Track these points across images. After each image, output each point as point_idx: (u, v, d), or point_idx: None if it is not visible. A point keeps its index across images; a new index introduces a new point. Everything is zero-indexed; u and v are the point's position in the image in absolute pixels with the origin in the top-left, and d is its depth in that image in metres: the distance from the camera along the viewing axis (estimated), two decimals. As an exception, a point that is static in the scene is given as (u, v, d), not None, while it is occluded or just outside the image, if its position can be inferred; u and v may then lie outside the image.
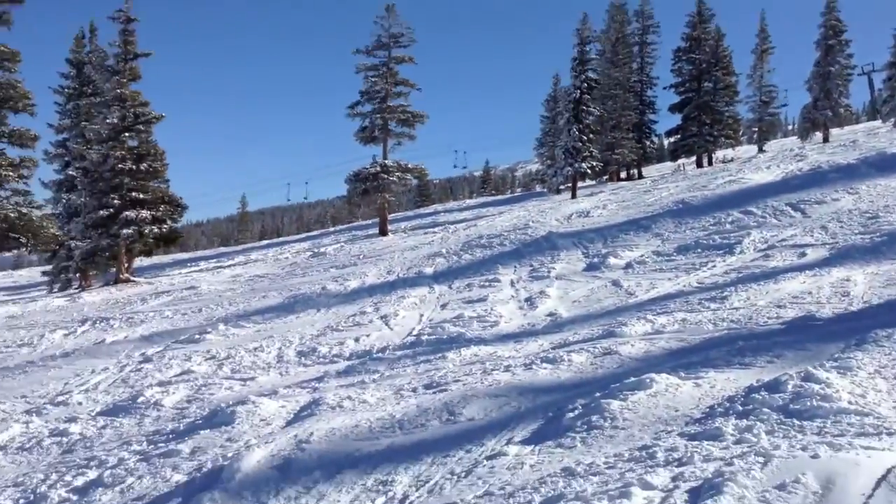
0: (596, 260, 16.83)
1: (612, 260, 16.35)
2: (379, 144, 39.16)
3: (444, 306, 14.77)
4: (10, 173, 29.01)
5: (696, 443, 4.89)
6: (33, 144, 30.40)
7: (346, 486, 5.53)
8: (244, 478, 5.91)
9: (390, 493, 5.27)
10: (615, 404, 5.97)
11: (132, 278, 33.41)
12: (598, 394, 6.41)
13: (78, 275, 37.45)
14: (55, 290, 38.11)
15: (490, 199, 65.02)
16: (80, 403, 10.73)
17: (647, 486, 4.23)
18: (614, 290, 13.73)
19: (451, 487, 5.11)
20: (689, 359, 7.54)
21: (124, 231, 32.34)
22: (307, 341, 13.06)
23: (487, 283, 16.47)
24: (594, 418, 5.82)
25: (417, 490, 5.21)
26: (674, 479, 4.31)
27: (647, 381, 6.36)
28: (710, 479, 4.12)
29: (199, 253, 63.30)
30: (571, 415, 6.07)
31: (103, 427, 9.24)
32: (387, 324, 13.72)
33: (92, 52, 38.85)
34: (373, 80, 38.54)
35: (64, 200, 38.40)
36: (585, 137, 43.25)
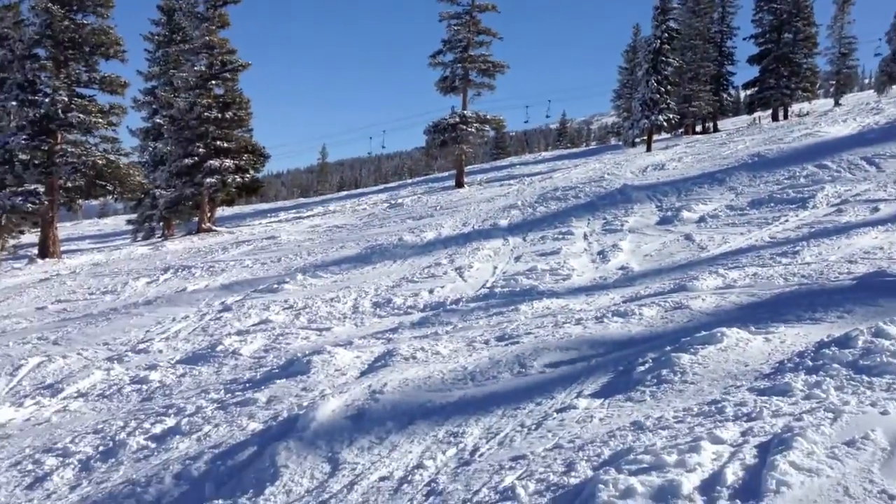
0: (669, 213, 16.59)
1: (685, 213, 16.14)
2: (459, 94, 38.89)
3: (517, 259, 14.70)
4: (100, 120, 29.85)
5: (766, 398, 4.83)
6: (123, 91, 31.18)
7: (418, 437, 5.53)
8: (319, 427, 5.95)
9: (461, 445, 5.24)
10: (685, 358, 5.90)
11: (214, 227, 34.12)
12: (668, 347, 6.32)
13: (161, 223, 38.57)
14: (139, 238, 39.40)
15: (565, 151, 64.26)
16: (160, 351, 11.01)
17: (716, 440, 4.18)
18: (686, 243, 13.57)
19: (521, 440, 5.07)
20: (759, 313, 7.39)
21: (208, 180, 32.94)
22: (383, 292, 13.12)
23: (561, 236, 16.36)
24: (664, 372, 5.76)
25: (488, 442, 5.18)
26: (743, 433, 4.26)
27: (718, 335, 6.26)
28: (779, 434, 4.05)
29: (279, 203, 64.44)
30: (641, 368, 6.01)
31: (182, 375, 9.46)
32: (461, 275, 13.69)
33: (183, -1, 39.43)
34: (455, 28, 38.12)
35: (150, 149, 39.49)
36: (663, 89, 42.50)
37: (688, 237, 13.96)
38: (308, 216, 34.79)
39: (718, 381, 5.45)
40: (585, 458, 4.44)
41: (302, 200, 62.19)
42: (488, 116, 38.62)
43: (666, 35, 42.53)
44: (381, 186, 62.07)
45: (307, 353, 9.06)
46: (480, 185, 36.40)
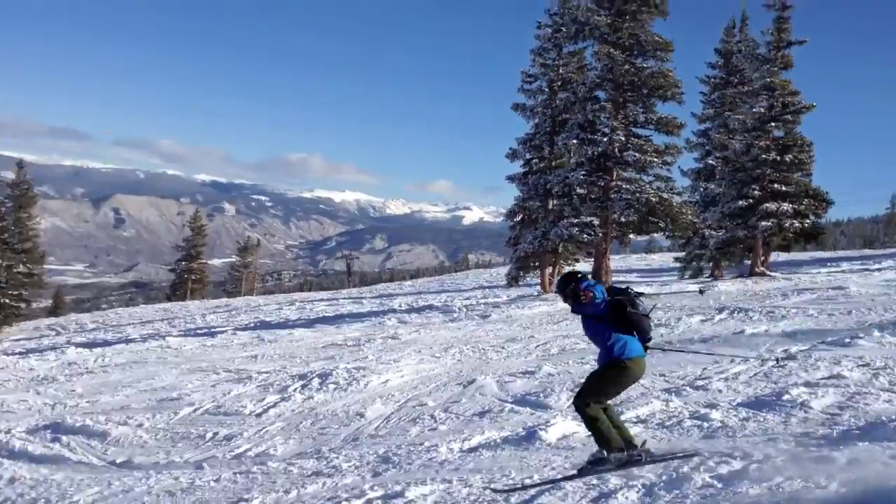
0: None
1: None
2: None
3: None
4: (655, 159, 31.32)
5: None
6: (678, 132, 32.46)
7: None
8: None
9: None
10: None
11: (767, 272, 33.48)
12: None
13: (710, 263, 38.94)
14: (686, 276, 40.22)
15: None
16: (719, 391, 10.83)
17: None
18: None
19: None
20: None
21: (762, 223, 32.49)
22: None
23: None
24: None
25: None
26: None
27: None
28: None
29: (840, 253, 60.76)
30: None
31: (745, 419, 9.15)
32: None
33: (742, 42, 39.86)
34: None
35: (701, 189, 40.24)
36: None
37: None
38: (877, 269, 32.02)
39: None
40: None
41: (867, 252, 57.81)
42: None
43: None
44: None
45: (893, 417, 8.13)
46: None
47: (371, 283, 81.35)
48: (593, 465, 5.94)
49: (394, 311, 29.37)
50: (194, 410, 13.18)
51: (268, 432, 11.39)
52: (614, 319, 5.65)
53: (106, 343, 26.71)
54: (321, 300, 41.64)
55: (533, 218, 34.85)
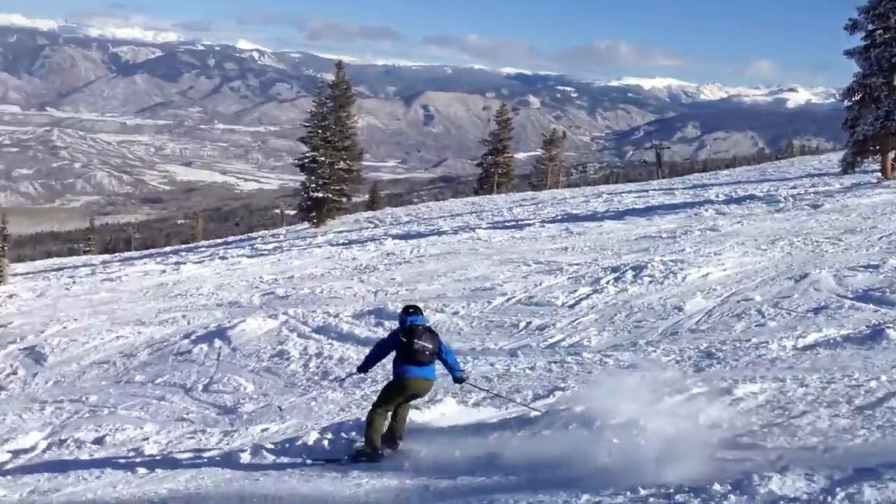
0: None
1: None
2: None
3: None
4: None
5: None
6: None
7: None
8: None
9: None
10: None
11: None
12: None
13: None
14: None
15: None
16: None
17: None
18: None
19: None
20: None
21: None
22: None
23: None
24: None
25: None
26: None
27: None
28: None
29: None
30: None
31: None
32: None
33: None
34: None
35: None
36: None
37: None
38: None
39: None
40: None
41: None
42: None
43: None
44: None
45: None
46: None
47: (682, 173, 78.80)
48: (352, 458, 7.63)
49: (710, 201, 28.21)
50: (507, 300, 13.58)
51: (581, 324, 11.47)
52: (400, 350, 7.57)
53: (420, 235, 28.30)
54: (629, 192, 40.96)
55: (875, 96, 31.49)
